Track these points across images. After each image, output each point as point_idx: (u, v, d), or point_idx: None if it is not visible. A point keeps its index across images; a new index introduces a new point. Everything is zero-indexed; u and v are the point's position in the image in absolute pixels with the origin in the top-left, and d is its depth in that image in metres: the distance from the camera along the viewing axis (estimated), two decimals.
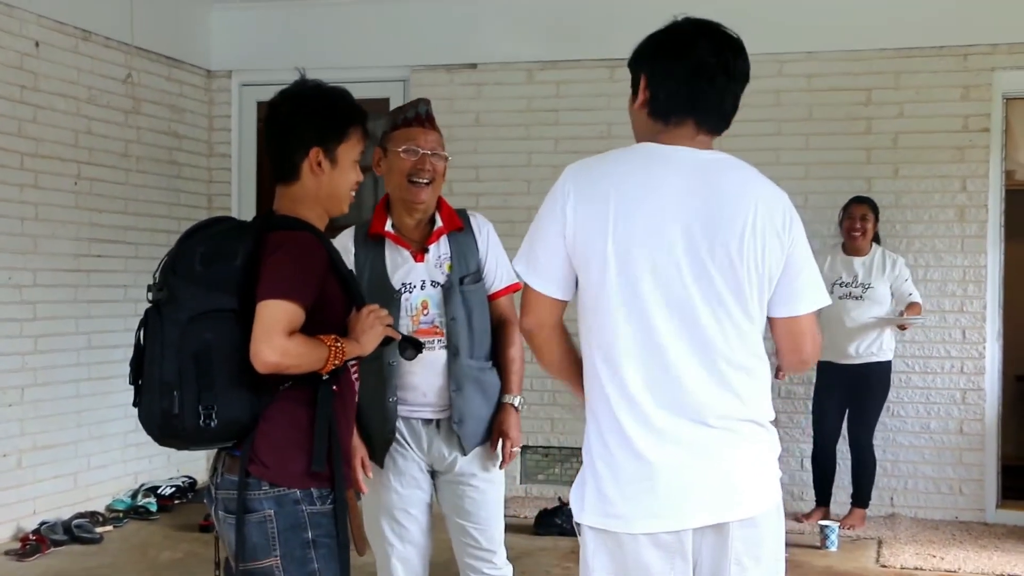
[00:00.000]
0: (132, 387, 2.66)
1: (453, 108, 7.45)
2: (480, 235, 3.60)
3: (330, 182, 2.78)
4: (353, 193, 2.86)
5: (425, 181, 3.44)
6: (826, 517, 6.36)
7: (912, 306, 6.28)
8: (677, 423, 2.32)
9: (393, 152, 3.46)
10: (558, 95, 7.28)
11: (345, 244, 3.46)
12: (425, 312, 3.43)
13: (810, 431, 6.60)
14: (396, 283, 3.44)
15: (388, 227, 3.48)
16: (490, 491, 3.57)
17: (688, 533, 2.33)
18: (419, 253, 3.47)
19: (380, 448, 3.43)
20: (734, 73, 2.42)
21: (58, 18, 6.34)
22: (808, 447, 6.62)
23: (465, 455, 3.48)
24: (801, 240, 2.43)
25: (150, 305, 2.64)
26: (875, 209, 6.46)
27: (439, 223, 3.53)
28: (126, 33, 6.84)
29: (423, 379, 3.42)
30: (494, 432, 3.51)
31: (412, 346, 2.98)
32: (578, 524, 2.40)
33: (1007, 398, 7.23)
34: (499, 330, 3.58)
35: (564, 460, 7.19)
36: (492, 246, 3.62)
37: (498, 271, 3.61)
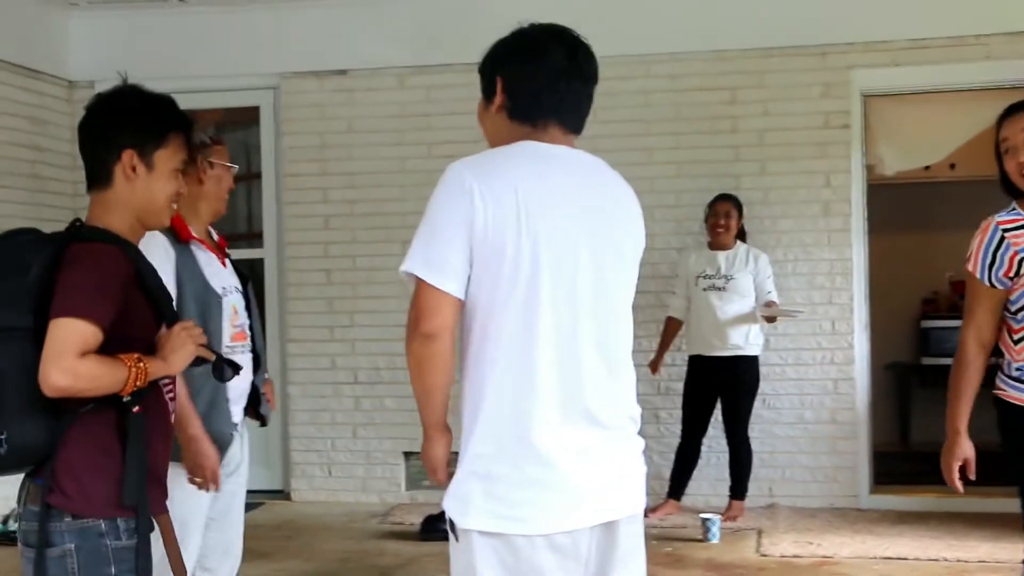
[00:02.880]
0: None
1: (325, 115, 7.39)
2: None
3: (146, 189, 2.59)
4: (174, 205, 2.67)
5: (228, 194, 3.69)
6: (676, 511, 6.51)
7: (769, 303, 6.44)
8: (576, 422, 2.34)
9: (221, 166, 3.64)
10: (429, 100, 7.27)
11: (165, 245, 3.42)
12: (237, 316, 3.59)
13: None
14: (216, 287, 3.53)
15: (195, 233, 3.57)
16: (245, 486, 3.75)
17: (583, 532, 2.35)
18: (223, 259, 3.64)
19: (222, 451, 3.52)
20: (587, 75, 2.49)
21: None
22: None
23: (265, 425, 3.81)
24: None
25: None
26: (738, 206, 6.60)
27: (215, 235, 3.73)
28: None
29: (244, 382, 3.58)
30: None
31: (230, 367, 2.82)
32: (464, 530, 2.33)
33: (877, 387, 7.47)
34: None
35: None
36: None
37: None
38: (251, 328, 3.67)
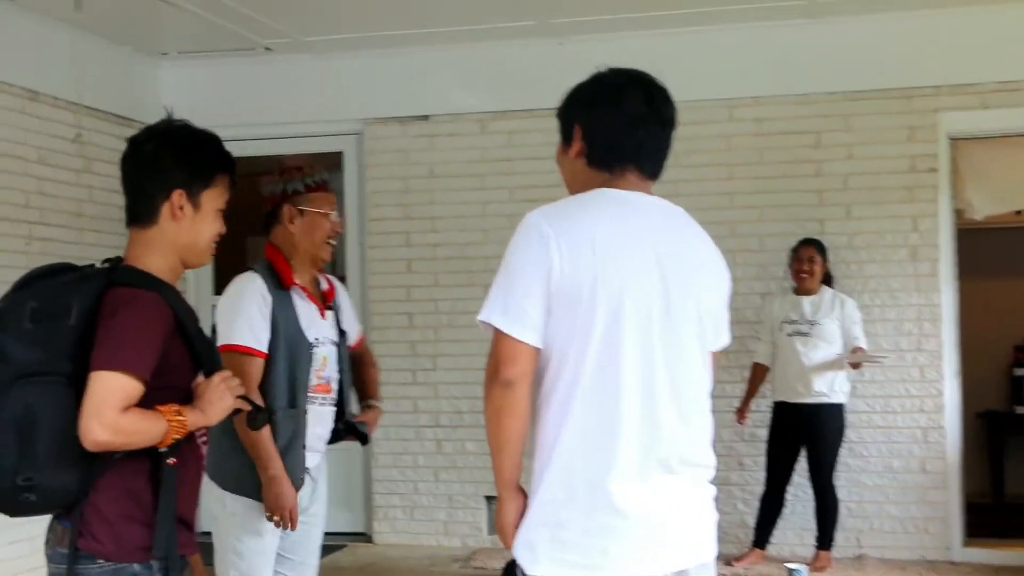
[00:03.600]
0: None
1: (408, 160, 7.46)
2: (342, 297, 3.86)
3: (191, 229, 2.58)
4: (214, 245, 2.66)
5: (334, 243, 3.74)
6: (761, 560, 6.39)
7: (857, 351, 6.32)
8: (651, 469, 2.32)
9: (315, 213, 3.64)
10: (510, 144, 7.31)
11: (261, 291, 3.53)
12: (325, 367, 3.65)
13: None
14: (309, 336, 3.58)
15: (298, 281, 3.63)
16: (322, 531, 3.89)
17: None
18: (323, 310, 3.67)
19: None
20: (665, 120, 2.49)
21: (4, 79, 6.29)
22: None
23: (365, 444, 3.92)
24: None
25: None
26: (822, 251, 6.51)
27: (324, 284, 3.75)
28: (74, 92, 6.78)
29: (318, 431, 3.67)
30: (361, 416, 3.86)
31: (264, 415, 2.86)
32: None
33: (968, 436, 7.26)
34: (361, 358, 3.98)
35: None
36: (349, 304, 3.93)
37: (355, 325, 3.93)
38: (340, 383, 3.73)
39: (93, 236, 6.86)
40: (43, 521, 2.56)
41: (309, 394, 3.56)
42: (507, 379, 2.30)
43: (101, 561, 2.43)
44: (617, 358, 2.30)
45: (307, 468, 3.64)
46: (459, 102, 7.36)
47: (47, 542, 2.54)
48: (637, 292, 2.33)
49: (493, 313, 2.32)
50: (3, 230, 6.20)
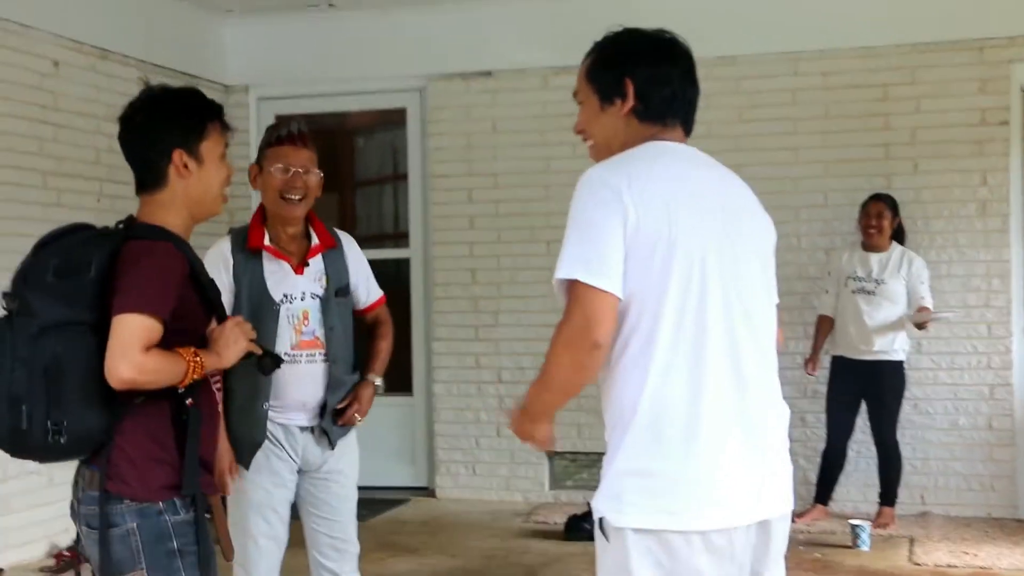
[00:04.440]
0: None
1: (470, 116, 7.47)
2: (349, 253, 3.80)
3: (199, 182, 2.70)
4: (227, 190, 2.79)
5: (296, 197, 3.60)
6: (824, 516, 6.39)
7: (922, 309, 6.25)
8: (736, 419, 2.33)
9: (266, 169, 3.61)
10: (573, 100, 7.25)
11: (224, 252, 3.60)
12: (306, 323, 3.62)
13: None
14: (276, 295, 3.59)
15: (267, 241, 3.63)
16: (351, 486, 3.79)
17: (740, 532, 2.32)
18: (299, 266, 3.65)
19: (248, 451, 3.60)
20: (696, 80, 2.54)
21: (75, 37, 6.39)
22: None
23: (332, 448, 3.70)
24: None
25: (2, 317, 2.58)
26: (893, 206, 6.43)
27: (315, 240, 3.71)
28: (142, 50, 6.88)
29: (302, 390, 3.63)
30: (349, 398, 3.72)
31: (272, 360, 3.01)
32: (618, 529, 2.28)
33: None
34: (373, 328, 3.90)
35: (592, 465, 7.16)
36: (361, 264, 3.84)
37: (369, 286, 3.87)
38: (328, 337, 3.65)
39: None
40: None
41: (289, 351, 3.55)
42: (596, 340, 2.24)
43: (128, 501, 2.57)
44: (698, 306, 2.30)
45: (304, 427, 3.65)
46: (522, 57, 7.34)
47: (76, 488, 2.69)
48: (710, 241, 2.34)
49: (574, 270, 2.25)
50: (76, 187, 6.33)
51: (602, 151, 2.51)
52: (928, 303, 6.28)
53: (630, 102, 2.46)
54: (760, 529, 2.37)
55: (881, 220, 6.38)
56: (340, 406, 3.70)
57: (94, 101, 6.49)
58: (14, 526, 5.80)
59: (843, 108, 6.87)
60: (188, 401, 2.61)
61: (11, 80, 5.95)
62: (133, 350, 2.45)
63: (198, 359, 2.59)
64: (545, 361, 2.33)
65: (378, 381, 3.83)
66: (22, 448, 2.55)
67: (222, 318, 2.78)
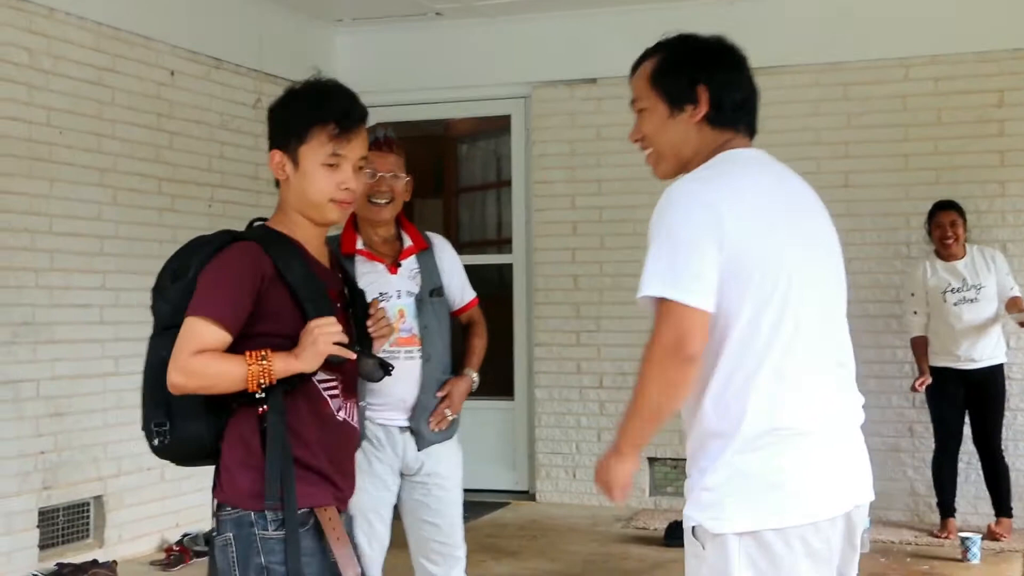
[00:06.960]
0: None
1: (575, 123, 7.50)
2: (443, 255, 3.84)
3: (298, 186, 2.62)
4: (340, 198, 2.62)
5: (383, 201, 3.66)
6: (958, 529, 6.22)
7: (1014, 299, 6.13)
8: (828, 416, 2.36)
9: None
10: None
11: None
12: (403, 320, 3.65)
13: None
14: (371, 295, 3.47)
15: (359, 245, 3.70)
16: (454, 490, 3.78)
17: (836, 525, 2.35)
18: (393, 266, 3.70)
19: None
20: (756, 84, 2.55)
21: (191, 48, 6.57)
22: None
23: (419, 449, 3.68)
24: None
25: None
26: (962, 213, 6.32)
27: (408, 242, 3.77)
28: (255, 60, 7.06)
29: (401, 389, 3.63)
30: (445, 389, 3.73)
31: (381, 368, 2.71)
32: (717, 535, 2.30)
33: None
34: (467, 328, 3.95)
35: None
36: (455, 265, 3.88)
37: (464, 288, 3.91)
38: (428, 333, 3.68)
39: (269, 199, 7.03)
40: None
41: (388, 348, 3.47)
42: (690, 354, 2.23)
43: (228, 509, 2.54)
44: (796, 310, 2.30)
45: (404, 427, 3.66)
46: (627, 65, 7.28)
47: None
48: (802, 249, 2.36)
49: (665, 284, 2.24)
50: (188, 192, 6.51)
51: (668, 160, 2.52)
52: (1017, 291, 6.19)
53: (703, 108, 2.45)
54: (846, 519, 2.40)
55: (956, 228, 6.27)
56: (441, 394, 3.70)
57: (207, 110, 6.67)
58: (127, 520, 5.96)
59: (956, 115, 6.73)
60: (261, 409, 2.48)
61: (131, 89, 6.15)
62: (183, 354, 2.43)
63: (265, 363, 2.45)
64: (636, 385, 2.32)
65: (474, 376, 3.85)
66: (150, 448, 2.60)
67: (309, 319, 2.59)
